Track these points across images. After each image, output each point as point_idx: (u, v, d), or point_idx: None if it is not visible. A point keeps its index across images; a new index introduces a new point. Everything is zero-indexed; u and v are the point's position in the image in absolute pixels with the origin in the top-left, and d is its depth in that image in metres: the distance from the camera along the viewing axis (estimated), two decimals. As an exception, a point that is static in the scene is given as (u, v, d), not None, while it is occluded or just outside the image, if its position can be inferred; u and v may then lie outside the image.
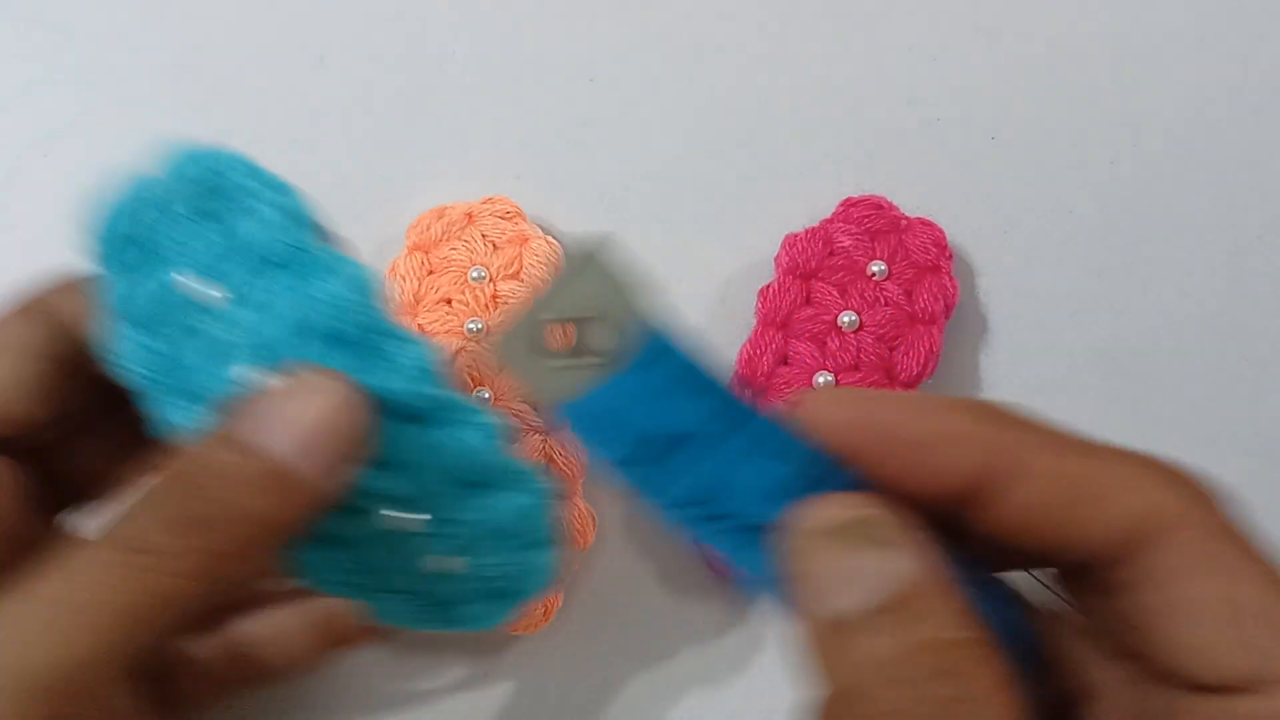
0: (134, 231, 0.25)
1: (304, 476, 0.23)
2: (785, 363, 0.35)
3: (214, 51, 0.38)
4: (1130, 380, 0.36)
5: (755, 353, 0.35)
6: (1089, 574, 0.21)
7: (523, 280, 0.34)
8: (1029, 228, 0.37)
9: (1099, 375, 0.36)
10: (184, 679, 0.30)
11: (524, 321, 0.22)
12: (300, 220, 0.25)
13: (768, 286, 0.35)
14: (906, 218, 0.36)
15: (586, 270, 0.22)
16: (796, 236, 0.36)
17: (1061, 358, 0.37)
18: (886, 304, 0.35)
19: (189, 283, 0.24)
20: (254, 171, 0.25)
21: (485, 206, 0.35)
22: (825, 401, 0.22)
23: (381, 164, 0.37)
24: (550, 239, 0.35)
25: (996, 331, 0.37)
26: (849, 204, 0.36)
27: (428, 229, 0.35)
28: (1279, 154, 0.38)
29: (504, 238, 0.35)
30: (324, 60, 0.38)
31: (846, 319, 0.35)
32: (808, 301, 0.35)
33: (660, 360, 0.22)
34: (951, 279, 0.35)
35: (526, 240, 0.35)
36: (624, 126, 0.38)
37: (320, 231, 0.26)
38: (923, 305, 0.35)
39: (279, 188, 0.25)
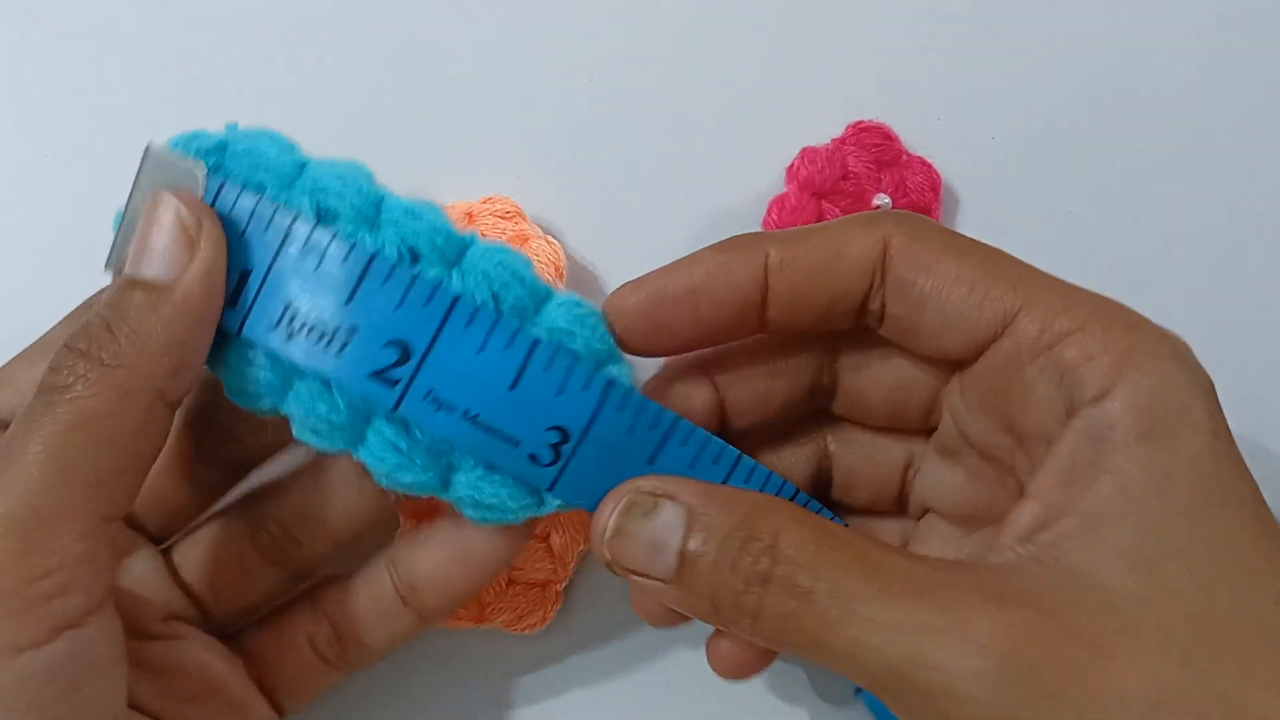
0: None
1: (150, 279, 0.25)
2: None
3: (213, 51, 0.38)
4: (1130, 380, 0.36)
5: None
6: (868, 322, 0.27)
7: (522, 279, 0.34)
8: (1029, 227, 0.37)
9: (1099, 375, 0.36)
10: (288, 666, 0.30)
11: (122, 237, 0.26)
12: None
13: (783, 197, 0.35)
14: (908, 153, 0.36)
15: (153, 170, 0.26)
16: (816, 152, 0.35)
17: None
18: None
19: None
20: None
21: (485, 206, 0.35)
22: (619, 296, 0.27)
23: (381, 164, 0.37)
24: (550, 239, 0.35)
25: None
26: (859, 128, 0.36)
27: (428, 228, 0.35)
28: (1279, 154, 0.38)
29: (504, 237, 0.35)
30: (324, 60, 0.38)
31: None
32: (818, 221, 0.35)
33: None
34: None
35: (526, 240, 0.35)
36: (624, 127, 0.38)
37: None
38: None
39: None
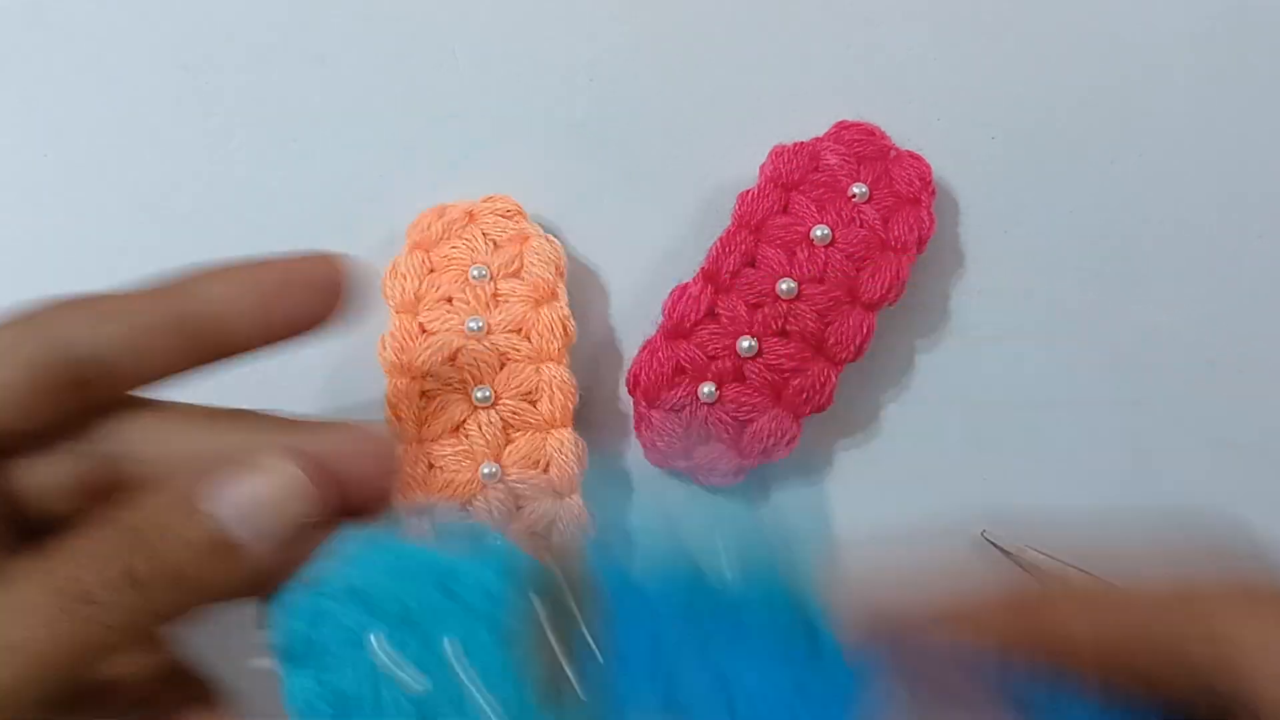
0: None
1: (245, 547, 0.23)
2: (753, 265, 0.35)
3: (214, 51, 0.38)
4: (1129, 381, 0.36)
5: (724, 251, 0.35)
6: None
7: (523, 278, 0.34)
8: (1029, 227, 0.37)
9: (1098, 376, 0.36)
10: None
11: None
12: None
13: (748, 191, 0.36)
14: (896, 148, 0.36)
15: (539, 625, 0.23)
16: (785, 148, 0.36)
17: (1061, 359, 0.36)
18: (862, 225, 0.35)
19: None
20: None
21: (486, 205, 0.35)
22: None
23: (382, 163, 0.38)
24: (550, 238, 0.35)
25: (997, 333, 0.37)
26: (842, 126, 0.36)
27: (428, 228, 0.35)
28: (1279, 154, 0.38)
29: (504, 236, 0.35)
30: (325, 60, 0.38)
31: (819, 232, 0.35)
32: (784, 210, 0.35)
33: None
34: (930, 214, 0.35)
35: (527, 239, 0.35)
36: (625, 126, 0.38)
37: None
38: (897, 234, 0.35)
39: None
